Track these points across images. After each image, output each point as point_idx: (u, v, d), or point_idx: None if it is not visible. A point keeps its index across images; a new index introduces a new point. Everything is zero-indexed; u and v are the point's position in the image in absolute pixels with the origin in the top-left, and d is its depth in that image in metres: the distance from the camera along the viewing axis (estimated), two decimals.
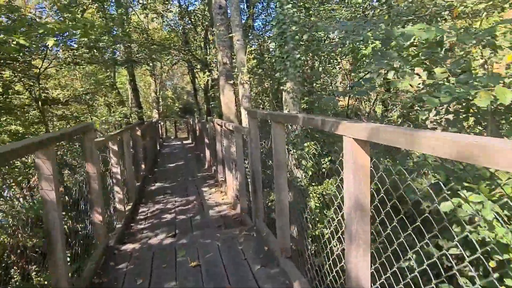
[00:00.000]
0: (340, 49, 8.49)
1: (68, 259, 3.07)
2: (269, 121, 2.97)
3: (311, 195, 6.14)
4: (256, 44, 7.50)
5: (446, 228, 1.59)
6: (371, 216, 1.66)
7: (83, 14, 7.96)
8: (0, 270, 3.96)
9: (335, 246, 2.30)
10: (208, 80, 15.24)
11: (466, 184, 2.30)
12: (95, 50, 8.59)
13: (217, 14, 6.45)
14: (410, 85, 2.83)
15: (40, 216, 4.31)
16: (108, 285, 2.86)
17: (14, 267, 4.18)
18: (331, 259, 2.18)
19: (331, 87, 10.88)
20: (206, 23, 16.93)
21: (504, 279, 2.17)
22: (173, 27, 17.57)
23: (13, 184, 6.08)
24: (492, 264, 2.24)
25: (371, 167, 1.68)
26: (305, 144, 5.73)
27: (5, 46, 4.97)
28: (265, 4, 10.73)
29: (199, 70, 18.38)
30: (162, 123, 22.69)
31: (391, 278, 1.65)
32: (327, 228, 6.43)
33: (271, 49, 8.33)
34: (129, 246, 3.64)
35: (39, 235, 4.31)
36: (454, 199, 2.29)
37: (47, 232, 2.25)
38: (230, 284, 2.76)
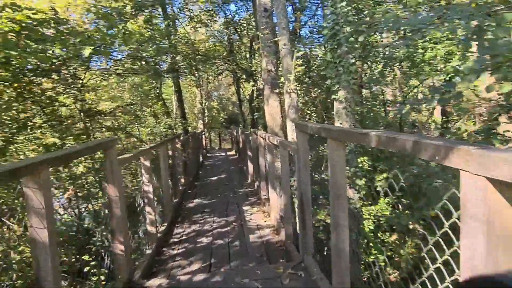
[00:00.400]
0: (398, 53, 7.61)
1: None
2: (326, 138, 2.32)
3: (364, 216, 5.34)
4: (303, 50, 6.88)
5: None
6: None
7: (125, 23, 7.89)
8: None
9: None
10: (253, 90, 14.81)
11: None
12: (138, 61, 8.49)
13: (262, 17, 5.93)
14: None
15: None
16: None
17: None
18: None
19: (381, 96, 9.94)
20: (252, 32, 16.62)
21: None
22: (219, 37, 17.45)
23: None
24: None
25: None
26: (359, 160, 4.96)
27: (39, 55, 4.78)
28: (313, 8, 10.07)
29: (244, 80, 18.08)
30: (206, 134, 22.64)
31: None
32: (382, 254, 5.55)
33: (319, 55, 7.66)
34: (155, 282, 3.11)
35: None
36: None
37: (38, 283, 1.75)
38: None
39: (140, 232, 4.40)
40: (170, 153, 6.98)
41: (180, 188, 7.59)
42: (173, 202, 6.27)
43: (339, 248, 2.28)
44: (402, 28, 3.99)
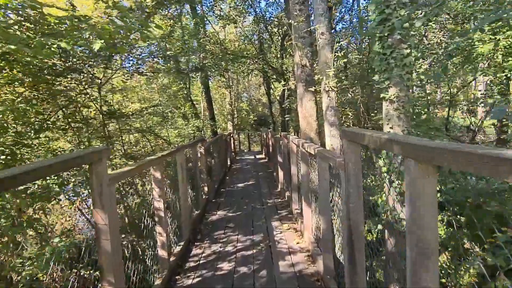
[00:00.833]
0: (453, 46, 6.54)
1: None
2: (402, 156, 1.49)
3: None
4: (344, 41, 5.96)
5: None
6: None
7: (147, 18, 7.40)
8: None
9: None
10: (283, 90, 14.01)
11: None
12: (162, 59, 7.93)
13: (295, 4, 5.12)
14: None
15: None
16: None
17: None
18: None
19: (429, 97, 8.80)
20: (284, 29, 15.82)
21: None
22: (248, 36, 16.77)
23: None
24: None
25: None
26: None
27: (44, 50, 4.22)
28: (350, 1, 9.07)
29: (274, 80, 17.31)
30: (235, 136, 22.04)
31: None
32: None
33: (358, 47, 6.70)
34: None
35: None
36: None
37: None
38: None
39: (147, 260, 3.71)
40: (192, 158, 6.32)
41: (203, 197, 6.91)
42: (193, 216, 5.59)
43: None
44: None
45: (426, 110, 6.07)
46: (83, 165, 2.43)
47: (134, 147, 15.51)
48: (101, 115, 7.22)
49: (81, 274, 4.38)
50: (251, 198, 7.44)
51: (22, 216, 4.59)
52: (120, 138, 13.24)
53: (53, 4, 6.57)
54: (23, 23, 4.60)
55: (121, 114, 8.35)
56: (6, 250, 4.29)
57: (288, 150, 6.78)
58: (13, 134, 5.76)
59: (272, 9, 19.70)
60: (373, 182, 6.26)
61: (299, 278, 3.59)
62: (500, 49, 7.33)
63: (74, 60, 6.60)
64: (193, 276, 3.74)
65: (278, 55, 16.73)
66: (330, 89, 4.50)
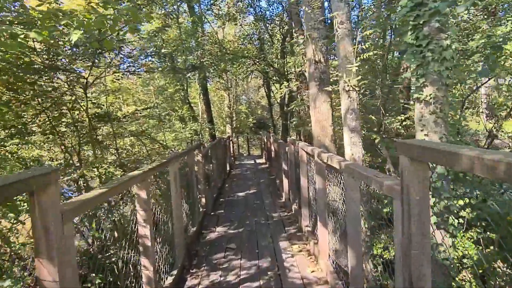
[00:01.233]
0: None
1: None
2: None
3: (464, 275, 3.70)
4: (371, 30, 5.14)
5: None
6: None
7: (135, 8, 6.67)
8: None
9: None
10: (284, 93, 13.31)
11: None
12: (152, 57, 7.23)
13: None
14: None
15: None
16: None
17: None
18: None
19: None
20: (285, 28, 15.16)
21: None
22: (248, 34, 16.08)
23: None
24: None
25: None
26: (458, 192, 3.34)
27: (7, 41, 3.51)
28: None
29: (275, 82, 16.63)
30: (234, 139, 21.33)
31: None
32: None
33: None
34: None
35: None
36: None
37: None
38: None
39: None
40: (188, 166, 5.60)
41: (200, 209, 6.19)
42: (189, 234, 4.86)
43: None
44: None
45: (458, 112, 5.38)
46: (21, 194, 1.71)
47: (128, 151, 14.79)
48: (87, 119, 6.47)
49: None
50: (253, 210, 6.72)
51: None
52: (114, 142, 12.53)
53: None
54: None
55: (112, 117, 7.62)
56: None
57: (296, 158, 6.08)
58: None
59: (273, 9, 19.10)
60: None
61: None
62: None
63: (55, 57, 5.90)
64: None
65: (279, 56, 16.08)
66: (351, 89, 3.80)
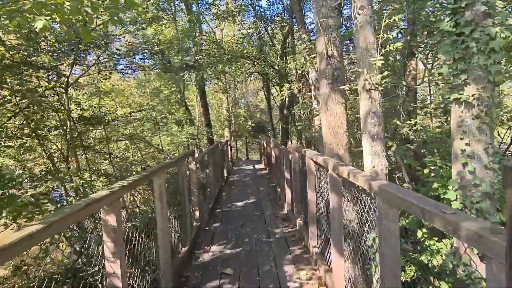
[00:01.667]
0: None
1: None
2: None
3: None
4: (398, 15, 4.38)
5: None
6: None
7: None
8: None
9: None
10: (286, 95, 12.67)
11: None
12: (144, 55, 6.59)
13: None
14: None
15: None
16: None
17: None
18: None
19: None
20: (286, 28, 14.56)
21: None
22: (248, 33, 15.46)
23: None
24: None
25: None
26: None
27: None
28: None
29: (275, 84, 16.00)
30: (232, 143, 20.65)
31: None
32: None
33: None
34: None
35: None
36: None
37: None
38: None
39: None
40: (180, 176, 4.93)
41: (194, 224, 5.52)
42: (178, 256, 4.20)
43: None
44: None
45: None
46: None
47: (122, 157, 14.12)
48: (68, 122, 5.81)
49: None
50: (253, 224, 6.05)
51: None
52: (107, 146, 11.90)
53: None
54: None
55: (100, 120, 6.96)
56: None
57: (302, 168, 5.44)
58: None
59: (273, 9, 18.52)
60: None
61: None
62: None
63: (32, 53, 5.25)
64: None
65: (279, 57, 15.48)
66: (373, 88, 3.16)
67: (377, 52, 3.15)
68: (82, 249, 3.94)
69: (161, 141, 16.71)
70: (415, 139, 8.06)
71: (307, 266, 4.08)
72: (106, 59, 6.30)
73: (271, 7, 16.69)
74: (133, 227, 3.26)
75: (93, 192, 5.76)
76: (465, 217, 1.24)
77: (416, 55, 6.65)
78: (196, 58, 10.05)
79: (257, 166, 15.65)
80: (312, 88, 9.85)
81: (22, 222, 4.99)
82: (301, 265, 4.12)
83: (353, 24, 3.32)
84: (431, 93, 11.03)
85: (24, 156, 6.96)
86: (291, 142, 18.13)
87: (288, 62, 12.78)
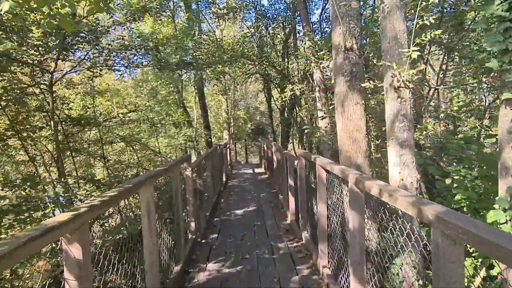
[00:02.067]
0: None
1: None
2: None
3: None
4: None
5: None
6: None
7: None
8: None
9: None
10: (288, 97, 12.15)
11: None
12: (137, 50, 6.06)
13: None
14: None
15: None
16: None
17: None
18: None
19: None
20: (288, 28, 14.08)
21: None
22: (249, 31, 14.98)
23: None
24: None
25: None
26: None
27: None
28: None
29: (276, 85, 15.50)
30: (232, 146, 20.13)
31: None
32: None
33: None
34: None
35: None
36: None
37: None
38: None
39: None
40: (173, 185, 4.41)
41: (189, 236, 5.00)
42: (170, 277, 3.67)
43: None
44: None
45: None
46: None
47: (117, 160, 13.59)
48: (52, 122, 5.28)
49: None
50: (254, 236, 5.53)
51: None
52: (102, 148, 11.38)
53: None
54: None
55: (88, 121, 6.42)
56: None
57: (308, 176, 4.94)
58: None
59: (275, 9, 18.02)
60: None
61: None
62: None
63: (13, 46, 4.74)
64: None
65: (281, 59, 15.00)
66: (403, 85, 2.65)
67: (412, 42, 2.63)
68: None
69: (158, 143, 16.19)
70: (425, 145, 7.56)
71: None
72: (96, 55, 5.77)
73: (273, 6, 16.14)
74: (115, 245, 2.75)
75: (80, 201, 5.22)
76: None
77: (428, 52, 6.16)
78: (194, 54, 9.51)
79: (256, 170, 15.14)
80: (317, 90, 9.35)
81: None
82: None
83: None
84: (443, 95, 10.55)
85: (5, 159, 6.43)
86: (293, 145, 17.63)
87: (291, 62, 12.30)
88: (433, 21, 2.61)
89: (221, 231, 5.94)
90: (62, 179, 4.96)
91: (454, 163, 6.28)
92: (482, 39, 6.07)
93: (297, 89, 11.04)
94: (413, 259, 2.63)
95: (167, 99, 15.23)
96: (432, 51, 6.70)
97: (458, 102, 8.02)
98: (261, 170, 14.98)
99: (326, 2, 11.69)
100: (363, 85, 3.15)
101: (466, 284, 3.11)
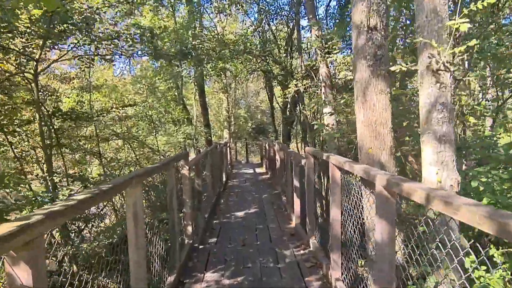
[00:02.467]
0: None
1: None
2: None
3: None
4: None
5: None
6: None
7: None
8: None
9: None
10: (291, 94, 11.69)
11: None
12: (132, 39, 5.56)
13: None
14: None
15: None
16: None
17: None
18: None
19: None
20: (292, 23, 13.63)
21: None
22: (253, 24, 14.54)
23: None
24: None
25: None
26: None
27: None
28: None
29: (279, 82, 15.03)
30: (232, 145, 19.68)
31: None
32: None
33: None
34: None
35: None
36: None
37: None
38: None
39: None
40: (168, 185, 3.96)
41: (186, 241, 4.56)
42: None
43: None
44: None
45: None
46: None
47: (113, 158, 13.14)
48: (37, 114, 4.82)
49: None
50: (256, 241, 5.09)
51: None
52: (97, 146, 10.93)
53: None
54: None
55: (78, 115, 5.95)
56: None
57: (312, 170, 4.49)
58: None
59: (278, 4, 17.56)
60: None
61: None
62: None
63: None
64: None
65: (284, 54, 14.55)
66: (444, 68, 2.20)
67: (457, 14, 2.16)
68: None
69: (157, 141, 15.74)
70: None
71: None
72: (87, 42, 5.30)
73: (276, 1, 15.68)
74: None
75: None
76: None
77: None
78: (194, 43, 9.02)
79: (257, 170, 14.69)
80: (322, 86, 8.91)
81: None
82: None
83: None
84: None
85: None
86: (296, 144, 17.18)
87: (295, 58, 11.85)
88: None
89: (221, 234, 5.49)
90: (48, 177, 4.51)
91: (474, 163, 5.82)
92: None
93: (301, 85, 10.61)
94: (452, 279, 2.18)
95: (166, 95, 14.77)
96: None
97: (484, 95, 7.50)
98: (262, 170, 14.53)
99: None
100: (392, 68, 2.69)
101: None
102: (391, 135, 2.81)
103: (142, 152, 14.65)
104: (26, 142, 5.78)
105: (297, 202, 5.75)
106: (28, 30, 4.90)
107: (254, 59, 13.25)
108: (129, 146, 13.55)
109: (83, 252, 4.46)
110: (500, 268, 2.60)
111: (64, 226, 5.86)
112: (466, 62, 5.47)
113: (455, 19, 2.34)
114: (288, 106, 16.72)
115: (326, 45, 7.32)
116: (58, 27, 5.11)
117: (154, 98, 15.36)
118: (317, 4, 13.05)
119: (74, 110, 6.31)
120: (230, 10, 13.52)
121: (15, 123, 5.41)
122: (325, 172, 8.14)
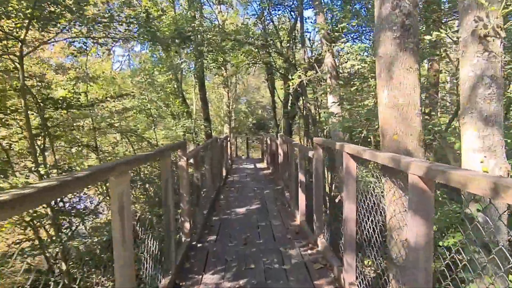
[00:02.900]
0: None
1: None
2: None
3: None
4: None
5: None
6: None
7: None
8: None
9: None
10: (294, 85, 11.29)
11: None
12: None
13: None
14: None
15: None
16: None
17: None
18: None
19: None
20: (296, 13, 13.19)
21: None
22: (256, 13, 14.13)
23: None
24: None
25: None
26: None
27: None
28: None
29: (281, 75, 14.63)
30: (232, 140, 19.29)
31: None
32: None
33: None
34: None
35: None
36: None
37: None
38: None
39: None
40: (162, 178, 3.59)
41: (183, 239, 4.19)
42: None
43: None
44: None
45: None
46: None
47: (110, 151, 12.78)
48: (22, 101, 4.44)
49: None
50: (259, 240, 4.72)
51: None
52: (94, 139, 10.57)
53: None
54: None
55: (69, 104, 5.56)
56: None
57: (319, 168, 4.11)
58: None
59: None
60: None
61: None
62: None
63: None
64: None
65: (287, 45, 14.12)
66: (493, 33, 1.83)
67: None
68: None
69: (155, 134, 15.36)
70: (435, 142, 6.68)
71: None
72: (79, 22, 4.89)
73: None
74: None
75: None
76: None
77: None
78: (194, 25, 8.58)
79: (258, 165, 14.31)
80: (328, 76, 8.52)
81: None
82: None
83: None
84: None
85: None
86: (299, 138, 16.82)
87: (298, 49, 11.45)
88: None
89: (220, 232, 5.12)
90: (33, 169, 4.15)
91: None
92: None
93: (304, 77, 10.20)
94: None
95: (166, 87, 14.37)
96: None
97: None
98: (264, 165, 14.16)
99: None
100: (426, 37, 2.30)
101: None
102: (420, 118, 2.43)
103: (140, 146, 14.29)
104: (13, 131, 5.41)
105: (302, 198, 5.38)
106: (12, 9, 4.51)
107: (256, 49, 12.83)
108: (127, 140, 13.20)
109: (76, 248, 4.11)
110: None
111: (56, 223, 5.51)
112: None
113: None
114: (290, 100, 16.34)
115: (333, 32, 6.93)
116: (48, 8, 4.72)
117: (153, 91, 14.96)
118: None
119: (66, 98, 5.91)
120: (231, 1, 13.08)
121: (1, 110, 5.03)
122: (330, 165, 7.77)
